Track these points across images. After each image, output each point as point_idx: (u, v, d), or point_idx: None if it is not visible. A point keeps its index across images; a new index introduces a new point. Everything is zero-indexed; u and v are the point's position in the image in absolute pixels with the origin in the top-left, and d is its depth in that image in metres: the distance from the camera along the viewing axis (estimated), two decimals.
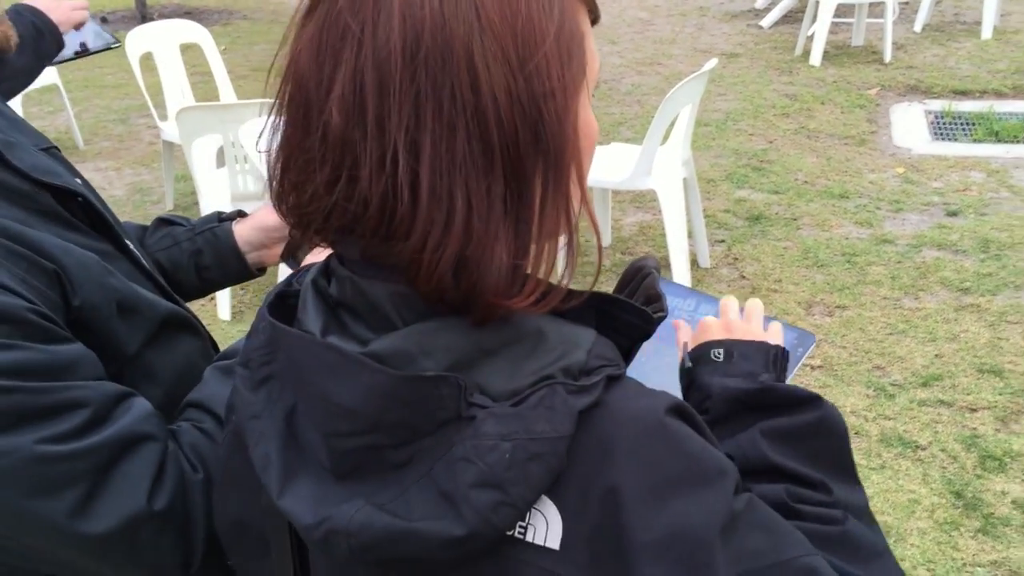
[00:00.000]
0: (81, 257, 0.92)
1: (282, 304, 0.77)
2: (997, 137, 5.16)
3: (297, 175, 0.69)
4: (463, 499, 0.64)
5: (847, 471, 0.82)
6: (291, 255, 1.20)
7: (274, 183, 0.72)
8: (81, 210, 1.00)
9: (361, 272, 0.70)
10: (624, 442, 0.66)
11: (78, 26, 1.91)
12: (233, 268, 1.23)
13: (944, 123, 5.43)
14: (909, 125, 5.44)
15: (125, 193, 4.80)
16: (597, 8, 0.74)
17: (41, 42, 1.84)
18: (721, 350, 0.89)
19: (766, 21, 7.39)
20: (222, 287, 1.23)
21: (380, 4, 0.64)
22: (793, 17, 7.38)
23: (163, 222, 1.25)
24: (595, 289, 0.74)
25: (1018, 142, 5.10)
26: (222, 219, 1.25)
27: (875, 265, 3.87)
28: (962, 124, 5.39)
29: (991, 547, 2.40)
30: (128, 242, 1.05)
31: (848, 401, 3.00)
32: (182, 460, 0.88)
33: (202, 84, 5.02)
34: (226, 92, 4.64)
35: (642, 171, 3.62)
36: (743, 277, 3.86)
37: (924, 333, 3.36)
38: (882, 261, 3.90)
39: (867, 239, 4.10)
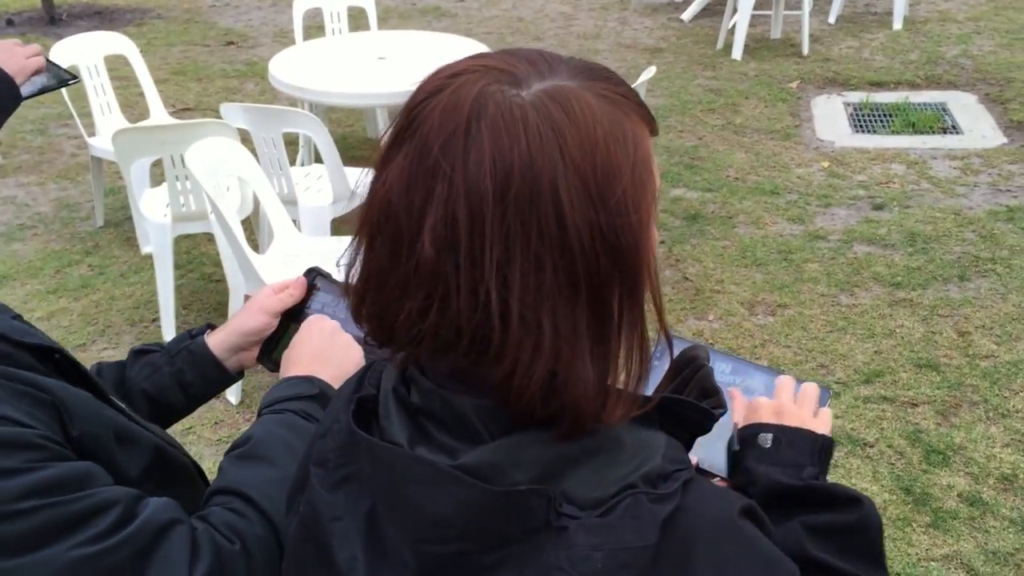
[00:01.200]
0: (76, 392, 0.97)
1: (360, 409, 0.79)
2: (914, 128, 5.37)
3: (385, 299, 0.71)
4: None
5: (877, 561, 0.88)
6: (265, 356, 1.26)
7: (354, 299, 0.75)
8: (59, 366, 1.03)
9: (448, 386, 0.72)
10: (703, 545, 0.70)
11: (36, 73, 1.86)
12: (214, 378, 1.27)
13: (863, 115, 5.62)
14: (830, 118, 5.62)
15: (52, 209, 4.65)
16: (655, 123, 0.77)
17: None
18: (770, 436, 0.93)
19: (686, 15, 7.51)
20: (207, 399, 1.27)
21: (470, 144, 0.67)
22: (712, 10, 7.52)
23: (139, 353, 1.28)
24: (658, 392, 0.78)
25: (934, 133, 5.31)
26: (193, 335, 1.28)
27: (810, 262, 4.00)
28: (880, 116, 5.59)
29: (942, 541, 2.53)
30: (108, 394, 1.07)
31: None
32: (216, 536, 0.93)
33: (122, 89, 4.88)
34: (154, 104, 4.53)
35: None
36: (686, 279, 3.95)
37: (862, 330, 3.50)
38: (817, 258, 4.04)
39: (800, 235, 4.24)
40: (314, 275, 1.28)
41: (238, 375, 1.29)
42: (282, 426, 1.08)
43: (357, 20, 5.34)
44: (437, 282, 0.68)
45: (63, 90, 4.16)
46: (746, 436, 0.95)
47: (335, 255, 2.99)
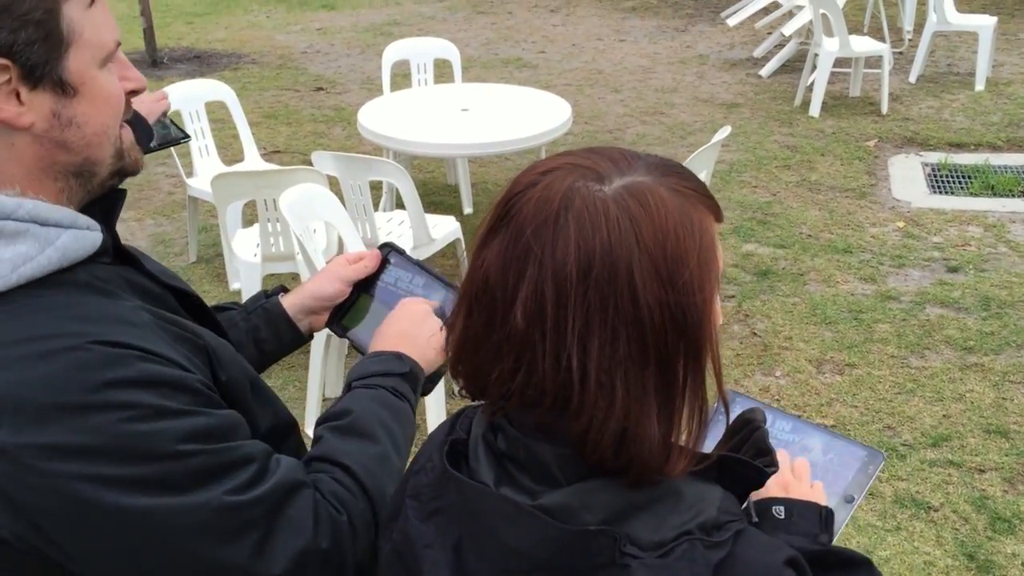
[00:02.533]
0: (220, 340, 1.05)
1: (452, 451, 0.90)
2: (993, 191, 5.34)
3: (480, 360, 0.84)
4: None
5: None
6: (335, 322, 1.35)
7: (452, 357, 0.88)
8: (193, 308, 1.12)
9: (531, 436, 0.84)
10: None
11: (162, 117, 2.04)
12: (287, 337, 1.35)
13: (941, 176, 5.61)
14: (907, 178, 5.62)
15: (148, 244, 4.92)
16: (720, 211, 0.88)
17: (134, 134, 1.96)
18: (782, 508, 1.02)
19: (765, 71, 7.59)
20: (279, 357, 1.35)
21: (558, 232, 0.79)
22: (791, 66, 7.58)
23: (217, 309, 1.37)
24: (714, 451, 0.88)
25: (1014, 196, 5.27)
26: (268, 295, 1.38)
27: (881, 323, 4.01)
28: (959, 177, 5.57)
29: None
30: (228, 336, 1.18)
31: None
32: (327, 505, 1.00)
33: (218, 131, 5.14)
34: (249, 148, 4.77)
35: None
36: (754, 334, 3.99)
37: (931, 393, 3.50)
38: (888, 318, 4.05)
39: (872, 295, 4.25)
40: (388, 250, 1.37)
41: (308, 336, 1.37)
42: (378, 403, 1.14)
43: (442, 69, 5.55)
44: (526, 348, 0.79)
45: None
46: (761, 510, 1.04)
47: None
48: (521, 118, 4.48)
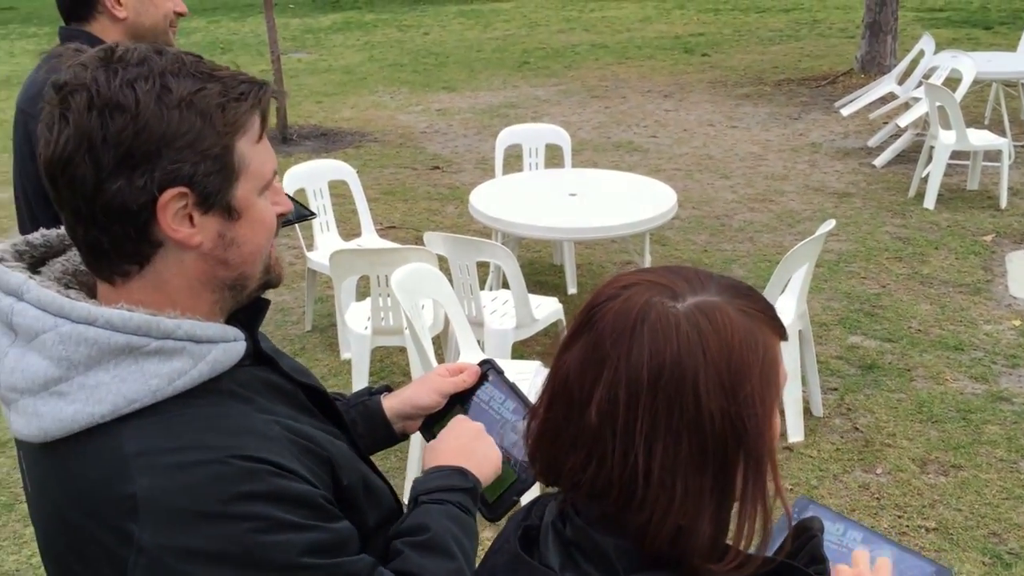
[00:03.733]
0: (340, 447, 1.16)
1: (525, 536, 0.99)
2: None
3: (556, 449, 0.93)
4: None
5: None
6: (426, 428, 1.44)
7: (532, 445, 0.97)
8: (319, 401, 1.24)
9: (595, 526, 0.91)
10: None
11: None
12: (381, 436, 1.45)
13: None
14: None
15: (269, 312, 5.18)
16: (784, 331, 0.96)
17: None
18: None
19: (879, 160, 7.53)
20: (371, 452, 1.43)
21: (634, 341, 0.88)
22: (907, 157, 7.50)
23: None
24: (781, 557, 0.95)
25: None
26: (372, 393, 1.48)
27: (991, 424, 3.90)
28: None
29: None
30: (346, 426, 1.30)
31: (964, 567, 3.04)
32: None
33: (337, 206, 5.40)
34: (366, 224, 5.02)
35: None
36: (856, 429, 3.94)
37: None
38: (998, 420, 3.93)
39: (983, 395, 4.14)
40: (488, 367, 1.45)
41: (401, 438, 1.47)
42: (448, 518, 1.23)
43: (553, 152, 5.72)
44: (597, 444, 0.88)
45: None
46: None
47: (519, 375, 3.26)
48: (627, 203, 4.59)
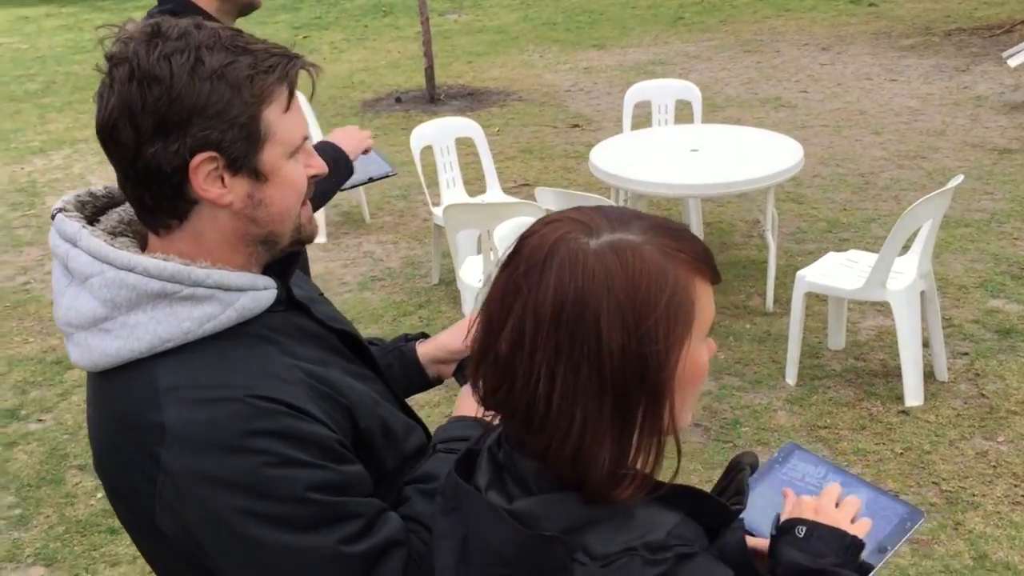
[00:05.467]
0: (361, 393, 1.24)
1: (468, 459, 1.06)
2: None
3: (480, 373, 0.98)
4: None
5: None
6: (459, 372, 1.50)
7: (470, 365, 1.03)
8: (353, 345, 1.34)
9: (516, 448, 0.98)
10: None
11: (365, 151, 2.33)
12: (416, 381, 1.54)
13: None
14: None
15: (399, 265, 5.41)
16: (718, 274, 0.98)
17: (337, 171, 2.28)
18: (804, 528, 1.08)
19: None
20: (408, 395, 1.52)
21: (543, 276, 0.92)
22: None
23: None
24: (680, 482, 0.98)
25: None
26: (408, 339, 1.56)
27: None
28: None
29: None
30: (380, 369, 1.39)
31: None
32: (415, 566, 1.17)
33: (474, 165, 5.53)
34: (491, 181, 5.13)
35: (876, 282, 3.65)
36: (982, 395, 3.76)
37: None
38: None
39: None
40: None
41: (436, 381, 1.54)
42: None
43: (685, 108, 5.64)
44: (508, 369, 0.94)
45: (418, 164, 4.88)
46: (785, 526, 1.09)
47: None
48: (750, 158, 4.50)
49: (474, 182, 5.58)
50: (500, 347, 0.94)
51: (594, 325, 0.89)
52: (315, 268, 5.47)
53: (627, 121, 5.59)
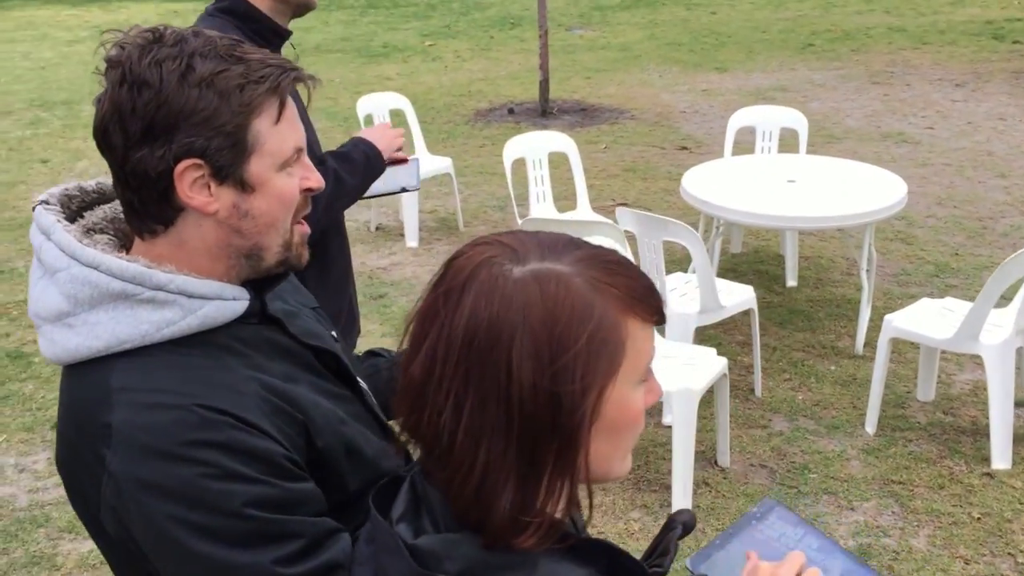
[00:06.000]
0: (327, 411, 1.21)
1: (392, 486, 1.01)
2: None
3: (398, 398, 0.94)
4: None
5: None
6: None
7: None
8: (331, 363, 1.30)
9: (427, 479, 0.92)
10: None
11: (399, 161, 2.30)
12: None
13: None
14: None
15: None
16: (661, 313, 0.91)
17: (369, 167, 2.26)
18: None
19: None
20: None
21: (460, 300, 0.87)
22: None
23: (371, 354, 1.55)
24: (600, 538, 0.91)
25: None
26: None
27: None
28: None
29: None
30: (362, 387, 1.36)
31: None
32: None
33: (571, 181, 5.49)
34: (582, 198, 5.08)
35: (967, 333, 3.43)
36: None
37: None
38: None
39: None
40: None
41: None
42: None
43: (788, 143, 5.46)
44: (418, 397, 0.89)
45: (508, 176, 4.86)
46: None
47: (689, 361, 3.21)
48: (849, 193, 4.30)
49: (571, 198, 5.53)
50: (414, 371, 0.89)
51: (505, 358, 0.83)
52: (403, 272, 5.53)
53: (728, 146, 5.44)
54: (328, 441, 1.19)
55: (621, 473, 0.93)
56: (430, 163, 6.00)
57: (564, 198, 5.34)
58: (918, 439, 3.73)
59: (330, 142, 2.76)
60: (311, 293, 1.47)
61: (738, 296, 3.92)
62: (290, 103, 1.17)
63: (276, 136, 1.14)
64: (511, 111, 9.23)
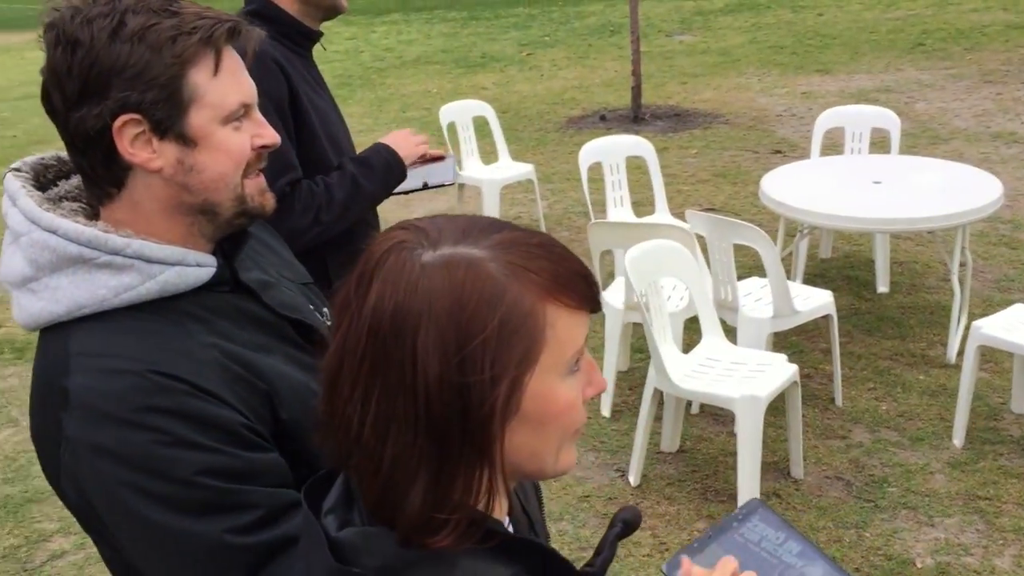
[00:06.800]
0: (294, 382, 1.19)
1: (329, 478, 0.98)
2: None
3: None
4: None
5: None
6: None
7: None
8: (315, 337, 1.26)
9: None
10: None
11: (436, 158, 2.29)
12: None
13: None
14: None
15: None
16: (593, 300, 0.85)
17: (389, 174, 2.23)
18: None
19: None
20: None
21: (369, 290, 0.82)
22: None
23: None
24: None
25: None
26: None
27: None
28: None
29: None
30: None
31: None
32: None
33: (645, 184, 5.41)
34: (660, 202, 4.98)
35: None
36: None
37: None
38: None
39: None
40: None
41: None
42: None
43: (880, 144, 5.23)
44: (331, 387, 0.85)
45: (584, 180, 4.81)
46: None
47: (757, 368, 3.12)
48: (938, 194, 4.10)
49: (647, 205, 5.44)
50: (329, 362, 0.86)
51: (410, 348, 0.79)
52: None
53: (815, 148, 5.26)
54: (294, 415, 1.16)
55: (561, 468, 0.88)
56: (511, 169, 6.00)
57: (648, 203, 5.24)
58: (1009, 453, 3.51)
59: None
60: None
61: (815, 301, 3.77)
62: (230, 55, 1.15)
63: (216, 88, 1.12)
64: (603, 118, 9.17)
